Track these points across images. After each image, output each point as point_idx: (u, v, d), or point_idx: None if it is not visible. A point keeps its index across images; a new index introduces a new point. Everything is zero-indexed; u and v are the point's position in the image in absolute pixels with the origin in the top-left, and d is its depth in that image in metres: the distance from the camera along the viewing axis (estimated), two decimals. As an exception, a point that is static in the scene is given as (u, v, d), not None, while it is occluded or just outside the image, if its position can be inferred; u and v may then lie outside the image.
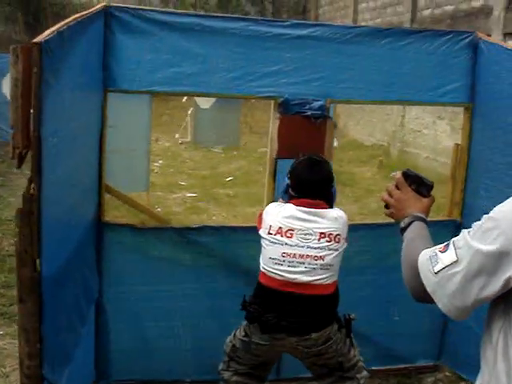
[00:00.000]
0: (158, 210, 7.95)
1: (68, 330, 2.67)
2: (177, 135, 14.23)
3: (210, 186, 10.08)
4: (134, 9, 3.43)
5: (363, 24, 14.17)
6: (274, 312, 2.99)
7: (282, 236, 3.01)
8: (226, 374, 3.25)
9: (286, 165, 3.75)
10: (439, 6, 11.50)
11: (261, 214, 3.21)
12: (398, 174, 1.98)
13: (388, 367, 4.17)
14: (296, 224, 3.02)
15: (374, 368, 3.98)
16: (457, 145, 4.08)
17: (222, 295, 3.84)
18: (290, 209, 3.06)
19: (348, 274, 3.93)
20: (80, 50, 2.72)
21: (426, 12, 12.08)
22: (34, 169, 2.16)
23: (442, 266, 1.58)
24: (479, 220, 3.88)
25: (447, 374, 4.25)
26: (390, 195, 1.97)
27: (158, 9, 3.56)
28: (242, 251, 3.81)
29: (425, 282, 1.63)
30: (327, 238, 3.01)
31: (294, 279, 2.99)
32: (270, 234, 3.05)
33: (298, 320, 2.99)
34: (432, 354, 4.28)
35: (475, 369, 4.23)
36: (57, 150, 2.36)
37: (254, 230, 3.86)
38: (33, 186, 2.16)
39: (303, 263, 2.98)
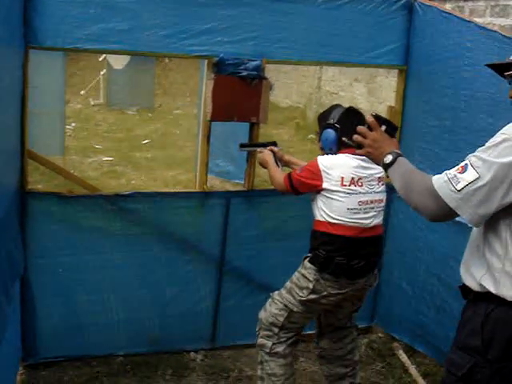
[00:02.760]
0: (78, 176, 7.60)
1: (-3, 311, 2.45)
2: (82, 92, 13.68)
3: (127, 149, 9.79)
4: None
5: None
6: (356, 258, 3.13)
7: (355, 186, 3.12)
8: (281, 347, 3.25)
9: (217, 126, 3.63)
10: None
11: (307, 170, 3.18)
12: (371, 118, 2.18)
13: (322, 331, 4.15)
14: (363, 172, 3.14)
15: (308, 332, 3.97)
16: (391, 107, 4.04)
17: (154, 264, 3.70)
18: (352, 159, 3.14)
19: (283, 238, 3.90)
20: (2, 1, 2.44)
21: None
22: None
23: (465, 183, 1.89)
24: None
25: (380, 335, 4.30)
26: (364, 136, 2.18)
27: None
28: (175, 218, 3.66)
29: (447, 200, 1.92)
30: (382, 182, 3.21)
31: (368, 224, 3.16)
32: (344, 185, 3.11)
33: (370, 262, 3.20)
34: (365, 317, 4.29)
35: (406, 329, 4.30)
36: (-18, 112, 2.11)
37: (187, 196, 3.74)
38: (-43, 153, 1.92)
39: (373, 208, 3.17)
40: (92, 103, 13.49)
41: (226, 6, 3.43)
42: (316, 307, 3.25)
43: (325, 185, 3.12)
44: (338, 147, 3.20)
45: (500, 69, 2.17)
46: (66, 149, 8.11)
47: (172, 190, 4.86)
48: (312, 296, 3.15)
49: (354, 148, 2.96)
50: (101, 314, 3.65)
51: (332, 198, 3.12)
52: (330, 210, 3.12)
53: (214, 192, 3.85)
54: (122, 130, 11.21)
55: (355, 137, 2.20)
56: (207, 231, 3.73)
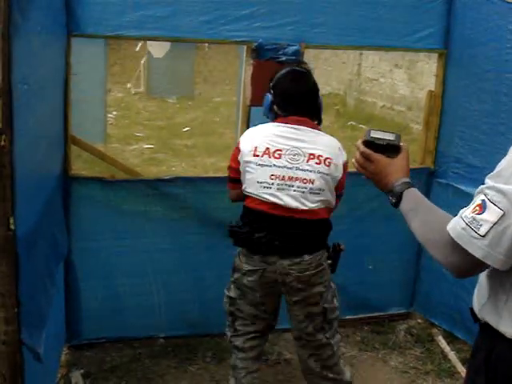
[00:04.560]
0: (120, 161, 7.73)
1: (42, 291, 2.53)
2: (129, 85, 13.85)
3: (167, 136, 9.89)
4: None
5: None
6: (262, 231, 2.81)
7: (269, 157, 2.79)
8: (238, 341, 3.07)
9: (257, 112, 3.64)
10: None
11: (233, 152, 2.96)
12: (362, 147, 1.86)
13: (361, 316, 4.18)
14: (284, 143, 2.80)
15: (347, 317, 4.00)
16: (430, 91, 4.01)
17: (194, 248, 3.75)
18: (277, 127, 2.85)
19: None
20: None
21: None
22: (4, 119, 1.98)
23: (489, 225, 1.52)
24: (455, 167, 3.76)
25: (419, 321, 4.28)
26: (363, 167, 1.88)
27: None
28: (215, 203, 3.69)
29: (471, 250, 1.54)
30: (316, 160, 2.80)
31: (283, 204, 2.79)
32: (256, 155, 2.80)
33: (290, 242, 2.82)
34: (404, 302, 4.30)
35: (446, 316, 4.27)
36: (27, 98, 2.18)
37: (226, 181, 3.77)
38: (4, 137, 1.98)
39: (292, 186, 2.78)
40: (133, 92, 13.64)
41: (265, -9, 3.45)
42: (246, 290, 2.97)
43: (241, 156, 2.86)
44: (273, 116, 2.92)
45: None
46: (107, 136, 8.25)
47: (214, 175, 4.90)
48: (236, 275, 2.98)
49: (290, 116, 2.79)
50: (142, 296, 3.73)
51: (247, 170, 2.84)
52: (247, 182, 2.87)
53: (252, 177, 3.87)
54: (163, 118, 11.32)
55: (358, 169, 1.90)
56: (246, 216, 3.76)
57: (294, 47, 3.52)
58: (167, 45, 12.31)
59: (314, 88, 2.96)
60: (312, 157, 2.80)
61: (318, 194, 2.82)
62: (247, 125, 3.63)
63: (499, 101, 3.58)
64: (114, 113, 11.11)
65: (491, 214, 1.51)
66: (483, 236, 1.52)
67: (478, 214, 1.54)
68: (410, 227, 1.77)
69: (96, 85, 7.27)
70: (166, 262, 3.71)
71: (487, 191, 1.54)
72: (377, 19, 3.68)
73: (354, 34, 3.66)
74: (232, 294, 3.05)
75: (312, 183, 2.79)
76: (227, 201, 3.70)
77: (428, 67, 10.06)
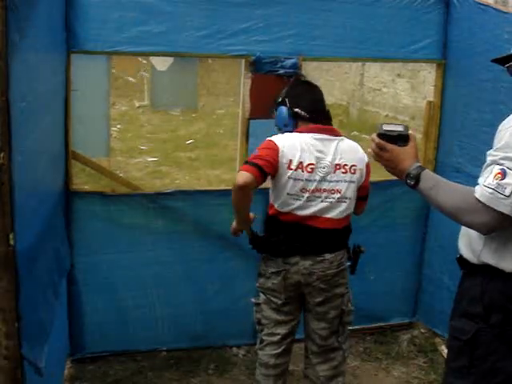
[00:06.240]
0: (120, 175, 7.77)
1: (44, 305, 2.55)
2: (136, 103, 13.94)
3: (171, 149, 9.93)
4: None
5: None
6: (279, 234, 2.94)
7: (302, 171, 2.86)
8: (263, 356, 3.13)
9: (258, 125, 3.68)
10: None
11: (265, 148, 2.88)
12: (376, 139, 2.11)
13: (364, 326, 4.17)
14: (315, 156, 2.87)
15: (350, 328, 3.99)
16: (429, 102, 4.03)
17: (195, 261, 3.77)
18: (307, 139, 2.89)
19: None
20: (43, 8, 2.54)
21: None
22: (3, 136, 2.01)
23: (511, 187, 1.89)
24: (455, 177, 3.79)
25: (422, 330, 4.28)
26: (379, 156, 2.13)
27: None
28: (216, 215, 3.72)
29: (501, 209, 1.90)
30: (343, 169, 2.91)
31: (310, 214, 2.90)
32: (290, 169, 2.86)
33: (311, 243, 2.92)
34: (407, 312, 4.31)
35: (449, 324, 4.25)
36: (26, 115, 2.21)
37: (227, 194, 3.79)
38: (2, 154, 2.01)
39: (320, 197, 2.89)
40: (137, 105, 13.70)
41: (262, 5, 3.48)
42: (270, 294, 3.03)
43: (279, 163, 2.87)
44: (294, 120, 2.96)
45: (504, 62, 2.16)
46: (111, 150, 8.28)
47: (213, 188, 4.93)
48: (261, 280, 3.07)
49: (310, 120, 2.91)
50: (145, 309, 3.75)
51: (277, 179, 2.90)
52: (276, 193, 2.94)
53: (253, 189, 3.90)
54: (166, 131, 11.37)
55: (374, 159, 2.15)
56: (247, 228, 3.77)
57: (292, 60, 3.55)
58: (170, 58, 12.38)
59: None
60: (338, 167, 2.91)
61: (344, 202, 2.94)
62: (246, 137, 3.66)
63: (498, 110, 3.58)
64: (118, 126, 11.17)
65: (511, 178, 1.89)
66: (508, 196, 1.89)
67: (501, 180, 1.90)
68: (433, 202, 2.08)
69: (99, 99, 7.31)
70: (168, 275, 3.73)
71: (502, 161, 1.92)
72: (374, 31, 3.71)
73: (351, 46, 3.69)
74: (258, 300, 3.13)
75: (339, 193, 2.91)
76: (226, 213, 3.71)
77: (430, 76, 10.06)
